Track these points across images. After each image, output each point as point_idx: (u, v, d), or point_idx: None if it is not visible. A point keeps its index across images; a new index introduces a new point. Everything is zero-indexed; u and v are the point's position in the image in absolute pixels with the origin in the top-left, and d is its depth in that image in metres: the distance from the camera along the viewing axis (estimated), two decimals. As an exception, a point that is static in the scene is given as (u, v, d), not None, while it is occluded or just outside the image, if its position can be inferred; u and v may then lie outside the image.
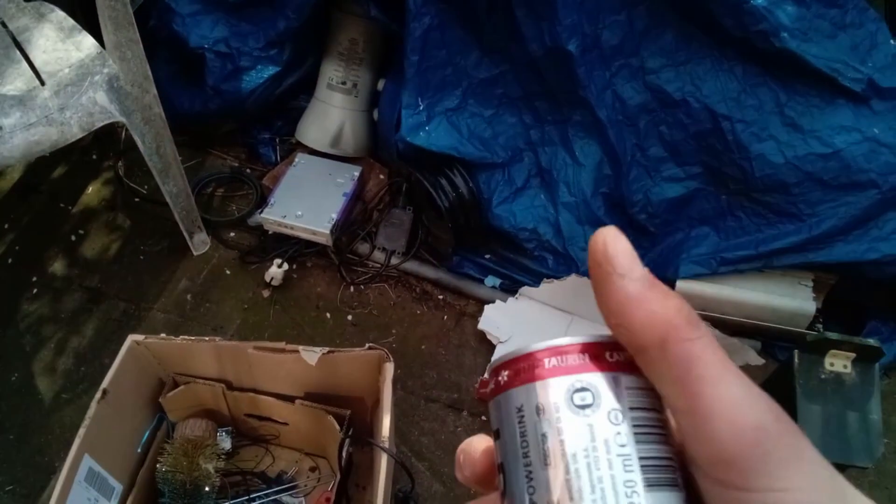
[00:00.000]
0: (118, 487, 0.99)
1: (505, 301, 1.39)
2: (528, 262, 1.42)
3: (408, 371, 1.34)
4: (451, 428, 1.28)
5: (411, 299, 1.46)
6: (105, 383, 0.95)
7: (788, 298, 1.24)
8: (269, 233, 1.49)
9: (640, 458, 0.22)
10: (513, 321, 1.37)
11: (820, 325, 1.28)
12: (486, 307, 1.39)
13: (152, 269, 1.50)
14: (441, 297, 1.47)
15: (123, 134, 1.66)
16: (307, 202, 1.45)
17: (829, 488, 0.20)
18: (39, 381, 1.32)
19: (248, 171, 1.67)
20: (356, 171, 1.53)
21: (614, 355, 0.23)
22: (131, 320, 1.41)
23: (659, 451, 0.23)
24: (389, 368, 0.97)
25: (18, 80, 1.14)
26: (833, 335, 1.03)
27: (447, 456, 1.23)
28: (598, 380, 0.23)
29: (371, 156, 1.62)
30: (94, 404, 0.92)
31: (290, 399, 1.07)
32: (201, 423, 1.10)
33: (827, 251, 1.17)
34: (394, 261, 1.48)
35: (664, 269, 1.27)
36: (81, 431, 0.90)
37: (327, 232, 1.41)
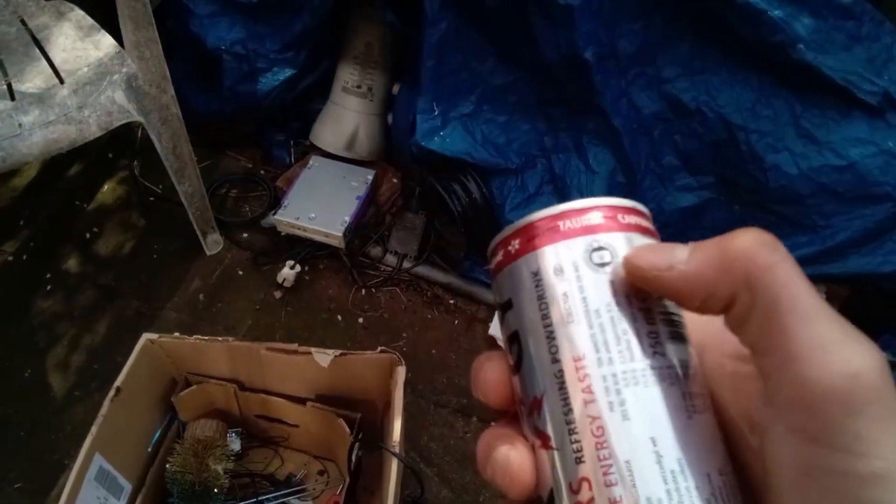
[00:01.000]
0: (127, 487, 0.99)
1: (516, 307, 1.39)
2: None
3: (417, 375, 1.34)
4: (461, 434, 1.27)
5: (422, 303, 1.46)
6: (119, 381, 0.95)
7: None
8: (282, 234, 1.50)
9: (660, 313, 0.23)
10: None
11: (832, 338, 1.27)
12: (496, 313, 1.39)
13: (165, 268, 1.51)
14: (452, 301, 1.47)
15: (139, 133, 1.67)
16: (320, 204, 1.46)
17: None
18: (51, 377, 1.32)
19: (262, 172, 1.67)
20: (370, 175, 1.53)
21: (626, 217, 0.24)
22: (144, 319, 1.42)
23: (675, 306, 0.23)
24: (401, 372, 0.97)
25: (38, 79, 1.15)
26: (846, 348, 1.02)
27: (456, 462, 1.23)
28: (614, 239, 0.23)
29: (385, 160, 1.63)
30: (107, 402, 0.92)
31: (300, 401, 1.07)
32: (212, 423, 1.11)
33: (841, 263, 1.17)
34: (406, 264, 1.48)
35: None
36: (94, 430, 0.89)
37: (340, 234, 1.42)
